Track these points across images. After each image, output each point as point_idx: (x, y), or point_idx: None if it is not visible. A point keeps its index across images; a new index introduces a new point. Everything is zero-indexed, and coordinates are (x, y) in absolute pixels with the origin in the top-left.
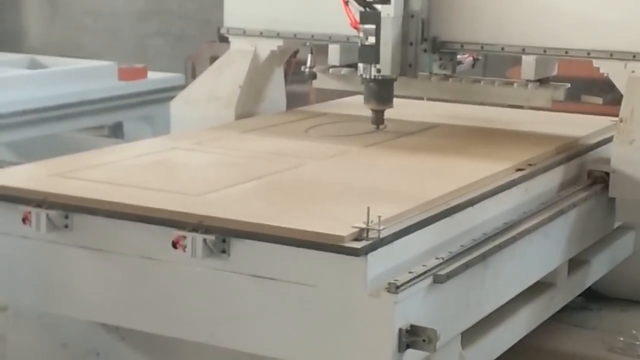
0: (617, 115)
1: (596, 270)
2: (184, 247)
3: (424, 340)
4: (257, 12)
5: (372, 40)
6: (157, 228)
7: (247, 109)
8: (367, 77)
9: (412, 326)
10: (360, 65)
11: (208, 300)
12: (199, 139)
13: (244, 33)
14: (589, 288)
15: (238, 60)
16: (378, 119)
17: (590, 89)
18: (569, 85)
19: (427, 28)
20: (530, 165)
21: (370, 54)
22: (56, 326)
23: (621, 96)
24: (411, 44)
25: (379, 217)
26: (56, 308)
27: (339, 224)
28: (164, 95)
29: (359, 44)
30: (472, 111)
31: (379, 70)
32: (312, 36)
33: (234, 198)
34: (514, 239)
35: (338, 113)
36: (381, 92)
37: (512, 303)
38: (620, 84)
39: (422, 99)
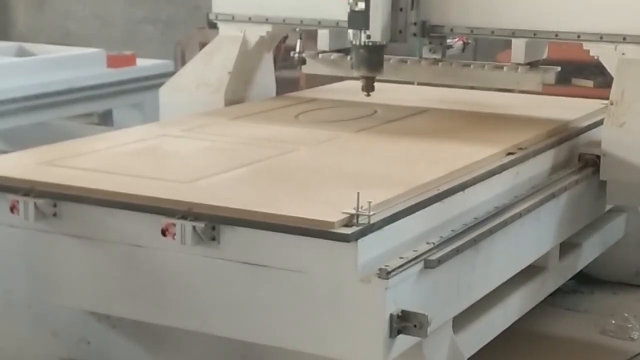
0: (607, 98)
1: (588, 254)
2: (174, 235)
3: (415, 326)
4: None
5: (361, 5)
6: (147, 216)
7: (237, 95)
8: (357, 43)
9: (403, 311)
10: (350, 32)
11: (198, 287)
12: (189, 125)
13: (232, 19)
14: (581, 271)
15: (227, 46)
16: (368, 86)
17: (580, 72)
18: (559, 68)
19: (417, 9)
20: (520, 149)
21: (360, 19)
22: (46, 315)
23: (612, 79)
24: (401, 9)
25: (369, 202)
26: (46, 297)
27: (329, 209)
28: (153, 82)
29: (349, 10)
30: (462, 95)
31: (368, 36)
32: (301, 21)
33: (224, 185)
34: (505, 223)
35: (328, 98)
36: (371, 59)
37: (503, 287)
38: (610, 66)
39: (412, 83)
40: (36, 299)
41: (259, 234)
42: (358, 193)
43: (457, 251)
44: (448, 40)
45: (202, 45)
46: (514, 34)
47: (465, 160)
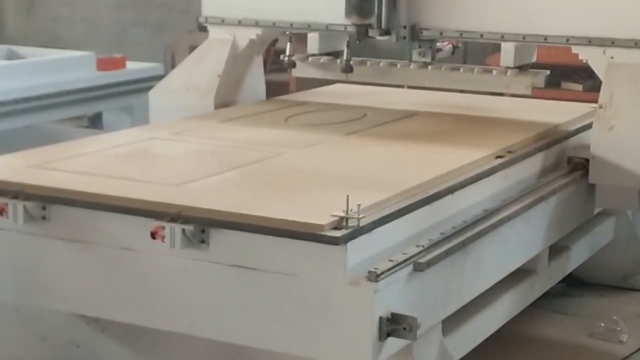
0: (596, 102)
1: (577, 257)
2: (163, 238)
3: (404, 329)
4: (235, 1)
5: None
6: (136, 219)
7: (226, 98)
8: None
9: (392, 314)
10: None
11: (187, 290)
12: (178, 128)
13: (222, 22)
14: (570, 274)
15: (217, 50)
16: (360, 34)
17: (570, 75)
18: (548, 72)
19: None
20: (510, 152)
21: None
22: (35, 318)
23: (601, 82)
24: None
25: (359, 205)
26: (35, 300)
27: (319, 212)
28: (143, 85)
29: None
30: (451, 99)
31: None
32: (291, 25)
33: (213, 188)
34: (494, 226)
35: (318, 102)
36: (362, 5)
37: (493, 290)
38: (599, 70)
39: (402, 86)
40: (25, 302)
41: (248, 237)
42: (347, 196)
43: (446, 254)
44: (437, 44)
45: (192, 48)
46: (503, 37)
47: (455, 163)
